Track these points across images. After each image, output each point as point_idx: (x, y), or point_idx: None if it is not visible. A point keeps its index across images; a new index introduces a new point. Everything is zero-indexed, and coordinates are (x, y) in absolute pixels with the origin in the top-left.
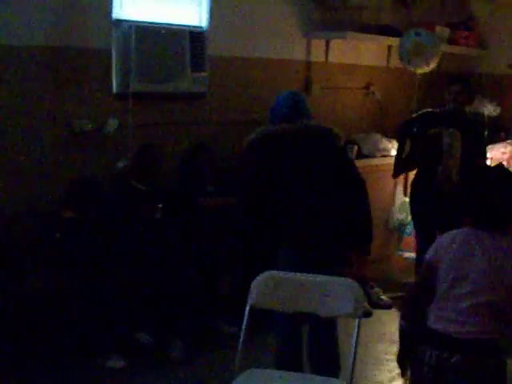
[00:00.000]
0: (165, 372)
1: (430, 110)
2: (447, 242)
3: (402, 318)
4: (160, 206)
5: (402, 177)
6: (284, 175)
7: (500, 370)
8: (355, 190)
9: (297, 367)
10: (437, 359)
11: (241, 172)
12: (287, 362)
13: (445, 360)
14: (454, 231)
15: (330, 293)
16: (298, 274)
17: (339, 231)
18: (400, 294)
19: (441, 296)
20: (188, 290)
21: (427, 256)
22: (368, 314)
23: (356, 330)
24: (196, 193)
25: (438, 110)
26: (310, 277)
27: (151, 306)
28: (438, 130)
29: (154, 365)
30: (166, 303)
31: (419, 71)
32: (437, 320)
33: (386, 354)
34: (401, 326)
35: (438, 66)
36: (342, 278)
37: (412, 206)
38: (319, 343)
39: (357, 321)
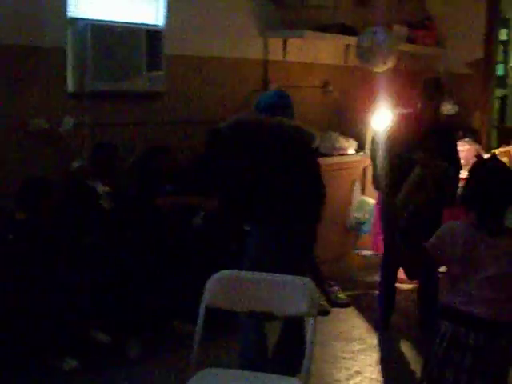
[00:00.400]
0: (121, 371)
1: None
2: (452, 237)
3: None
4: (107, 189)
5: (359, 175)
6: (255, 163)
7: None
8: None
9: (261, 366)
10: (452, 333)
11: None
12: (251, 361)
13: (462, 335)
14: (454, 224)
15: (286, 292)
16: (253, 273)
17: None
18: (358, 292)
19: (452, 280)
20: (145, 288)
21: (429, 242)
22: (326, 313)
23: (311, 329)
24: (153, 192)
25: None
26: (265, 275)
27: (108, 305)
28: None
29: (111, 364)
30: (124, 302)
31: (376, 70)
32: (456, 299)
33: (344, 352)
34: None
35: (396, 64)
36: (298, 277)
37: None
38: (285, 342)
39: (312, 319)
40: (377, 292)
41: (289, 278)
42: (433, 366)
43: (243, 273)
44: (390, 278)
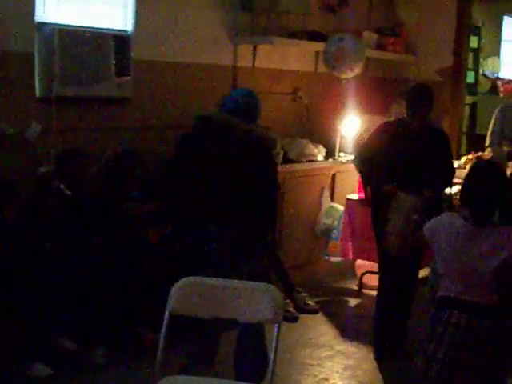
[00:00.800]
0: (87, 378)
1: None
2: (446, 231)
3: None
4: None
5: (328, 181)
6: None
7: None
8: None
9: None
10: (467, 322)
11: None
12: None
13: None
14: (445, 216)
15: (250, 298)
16: (217, 280)
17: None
18: (327, 298)
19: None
20: (111, 295)
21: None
22: (294, 319)
23: (276, 336)
24: (120, 198)
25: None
26: (229, 282)
27: (75, 311)
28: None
29: (77, 371)
30: (90, 308)
31: (343, 76)
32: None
33: (311, 358)
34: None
35: (366, 71)
36: (262, 284)
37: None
38: (243, 350)
39: (276, 326)
40: (345, 298)
41: (253, 284)
42: (445, 350)
43: (207, 279)
44: (388, 301)
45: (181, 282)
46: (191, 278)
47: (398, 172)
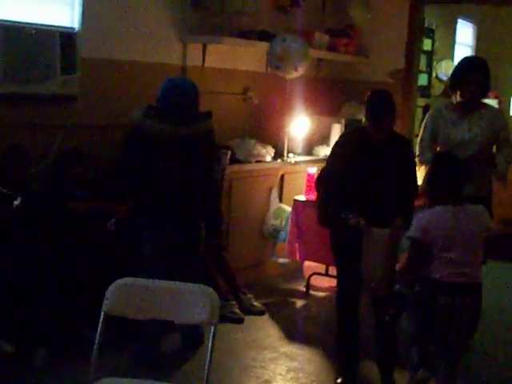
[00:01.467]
0: (27, 381)
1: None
2: (436, 219)
3: (399, 283)
4: (16, 203)
5: (277, 182)
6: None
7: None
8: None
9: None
10: (451, 302)
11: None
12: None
13: (458, 301)
14: (435, 210)
15: (186, 299)
16: (153, 281)
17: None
18: (273, 300)
19: (439, 258)
20: (50, 295)
21: (415, 235)
22: (239, 321)
23: (211, 337)
24: (65, 197)
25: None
26: (166, 283)
27: (13, 313)
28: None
29: (17, 374)
30: (28, 309)
31: (288, 77)
32: (443, 274)
33: (255, 360)
34: (398, 289)
35: (317, 72)
36: (198, 285)
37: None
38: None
39: (212, 328)
40: (293, 299)
41: (189, 285)
42: (440, 331)
43: (143, 280)
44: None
45: (117, 283)
46: (128, 278)
47: (361, 193)
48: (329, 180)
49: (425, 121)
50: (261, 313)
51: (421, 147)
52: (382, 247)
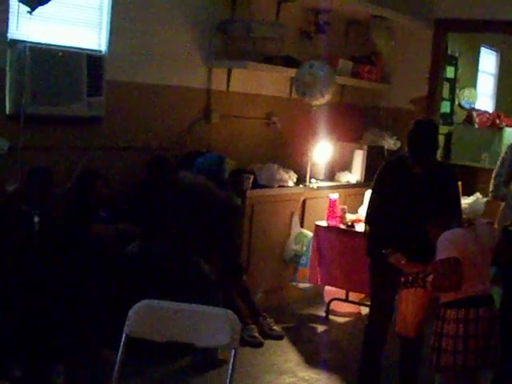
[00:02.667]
0: None
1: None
2: (461, 238)
3: None
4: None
5: (298, 207)
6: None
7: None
8: None
9: None
10: (484, 313)
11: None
12: None
13: (474, 313)
14: (456, 231)
15: (207, 322)
16: (174, 303)
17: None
18: (293, 324)
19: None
20: (70, 315)
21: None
22: (259, 345)
23: (232, 361)
24: (88, 218)
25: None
26: (187, 306)
27: (30, 332)
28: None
29: None
30: (48, 328)
31: (314, 103)
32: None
33: None
34: None
35: (341, 98)
36: (220, 308)
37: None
38: None
39: (233, 352)
40: (312, 325)
41: (211, 309)
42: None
43: (165, 302)
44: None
45: (138, 305)
46: (149, 300)
47: (401, 225)
48: (372, 212)
49: (502, 155)
50: (280, 337)
51: (496, 182)
52: (416, 295)
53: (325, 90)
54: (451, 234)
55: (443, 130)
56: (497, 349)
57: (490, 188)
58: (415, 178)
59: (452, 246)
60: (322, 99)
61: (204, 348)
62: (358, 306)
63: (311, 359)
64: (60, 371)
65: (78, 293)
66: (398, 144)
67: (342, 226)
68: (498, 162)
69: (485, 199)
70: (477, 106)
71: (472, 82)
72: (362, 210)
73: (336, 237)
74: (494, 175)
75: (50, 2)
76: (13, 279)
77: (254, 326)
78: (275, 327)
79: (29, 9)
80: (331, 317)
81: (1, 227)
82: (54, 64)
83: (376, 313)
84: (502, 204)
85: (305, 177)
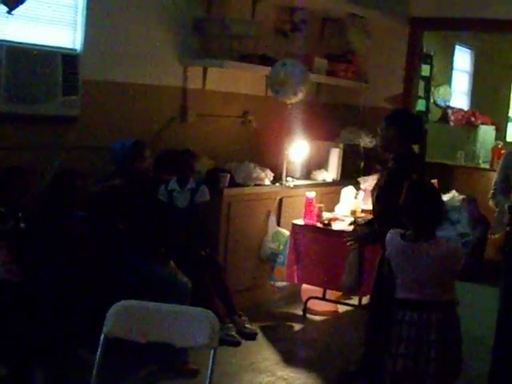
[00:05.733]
0: None
1: None
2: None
3: None
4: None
5: (275, 206)
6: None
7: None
8: None
9: None
10: (418, 318)
11: None
12: None
13: (426, 318)
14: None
15: (186, 323)
16: (154, 304)
17: None
18: (270, 323)
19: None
20: (47, 315)
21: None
22: (236, 343)
23: (211, 361)
24: (62, 218)
25: None
26: (165, 306)
27: (8, 333)
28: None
29: None
30: (25, 329)
31: (288, 101)
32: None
33: None
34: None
35: (317, 97)
36: (198, 308)
37: None
38: None
39: (212, 351)
40: (290, 323)
41: (190, 309)
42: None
43: (144, 303)
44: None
45: (117, 305)
46: (129, 300)
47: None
48: None
49: (499, 165)
50: (253, 336)
51: (493, 190)
52: None
53: (298, 88)
54: (394, 247)
55: None
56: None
57: (489, 195)
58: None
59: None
60: (295, 97)
61: (175, 353)
62: (335, 305)
63: (289, 358)
64: (38, 373)
65: (57, 294)
66: (374, 142)
67: (318, 225)
68: (496, 172)
69: (461, 197)
70: (452, 104)
71: (447, 80)
72: (339, 209)
73: (313, 235)
74: (492, 184)
75: (25, 1)
76: None
77: (231, 325)
78: (248, 325)
79: (7, 9)
80: (308, 315)
81: None
82: (28, 63)
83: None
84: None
85: (281, 175)
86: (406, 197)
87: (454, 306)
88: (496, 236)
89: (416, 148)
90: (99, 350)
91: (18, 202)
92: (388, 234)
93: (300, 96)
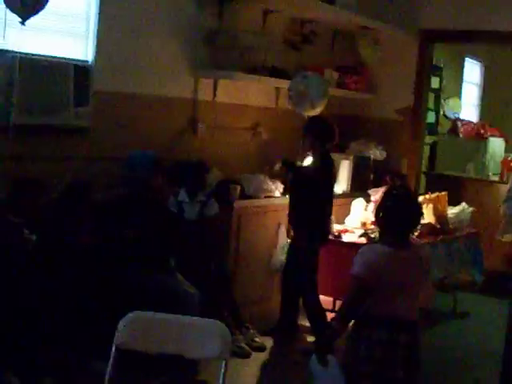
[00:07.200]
0: None
1: None
2: (377, 260)
3: (334, 319)
4: (33, 237)
5: (285, 217)
6: None
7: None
8: None
9: None
10: (388, 338)
11: None
12: None
13: (395, 337)
14: (376, 249)
15: (197, 334)
16: (164, 315)
17: None
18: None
19: (381, 294)
20: (59, 326)
21: (359, 272)
22: (246, 355)
23: (222, 372)
24: (71, 229)
25: None
26: (176, 318)
27: (19, 343)
28: None
29: None
30: (36, 339)
31: (306, 114)
32: (383, 309)
33: None
34: (332, 326)
35: (327, 109)
36: (210, 320)
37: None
38: None
39: (223, 363)
40: (299, 334)
41: (201, 320)
42: (374, 367)
43: (154, 314)
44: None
45: (128, 316)
46: (139, 312)
47: None
48: None
49: None
50: (261, 349)
51: (506, 198)
52: None
53: (316, 101)
54: (373, 254)
55: (428, 139)
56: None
57: (502, 201)
58: None
59: (365, 266)
60: (312, 110)
61: (185, 366)
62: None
63: (300, 369)
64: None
65: (69, 305)
66: (384, 154)
67: (329, 237)
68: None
69: (470, 209)
70: (461, 116)
71: (456, 92)
72: (349, 221)
73: (323, 247)
74: (507, 189)
75: (38, 12)
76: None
77: (241, 337)
78: (257, 339)
79: (21, 19)
80: None
81: None
82: (41, 74)
83: None
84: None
85: None
86: (384, 204)
87: (419, 326)
88: (505, 239)
89: None
90: (110, 361)
91: (30, 212)
92: (363, 251)
93: (318, 109)
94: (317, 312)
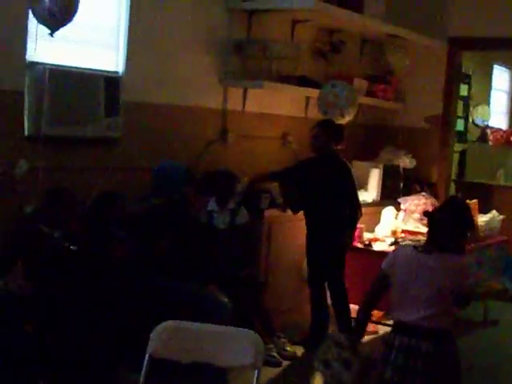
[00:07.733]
0: None
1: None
2: (399, 257)
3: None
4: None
5: None
6: None
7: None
8: None
9: None
10: (408, 344)
11: None
12: None
13: (413, 344)
14: (405, 249)
15: (230, 343)
16: (197, 324)
17: None
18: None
19: (398, 298)
20: (88, 334)
21: (383, 263)
22: (277, 364)
23: (255, 382)
24: (104, 239)
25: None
26: (209, 327)
27: (53, 353)
28: None
29: None
30: (66, 348)
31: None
32: (398, 313)
33: None
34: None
35: (356, 117)
36: (243, 329)
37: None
38: None
39: (256, 372)
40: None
41: (234, 329)
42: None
43: (187, 323)
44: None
45: (161, 325)
46: (172, 321)
47: None
48: None
49: None
50: (292, 358)
51: None
52: None
53: (345, 110)
54: (399, 251)
55: (457, 147)
56: None
57: None
58: None
59: (388, 259)
60: (342, 119)
61: (214, 376)
62: (375, 325)
63: None
64: None
65: (101, 314)
66: (414, 162)
67: (359, 245)
68: None
69: (501, 217)
70: (490, 124)
71: (485, 100)
72: (379, 229)
73: (353, 256)
74: None
75: (67, 24)
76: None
77: (272, 346)
78: (288, 348)
79: (49, 31)
80: None
81: (21, 247)
82: (71, 85)
83: None
84: None
85: None
86: (433, 213)
87: (449, 336)
88: None
89: None
90: (144, 369)
91: (64, 223)
92: (396, 248)
93: (347, 118)
94: (343, 297)
